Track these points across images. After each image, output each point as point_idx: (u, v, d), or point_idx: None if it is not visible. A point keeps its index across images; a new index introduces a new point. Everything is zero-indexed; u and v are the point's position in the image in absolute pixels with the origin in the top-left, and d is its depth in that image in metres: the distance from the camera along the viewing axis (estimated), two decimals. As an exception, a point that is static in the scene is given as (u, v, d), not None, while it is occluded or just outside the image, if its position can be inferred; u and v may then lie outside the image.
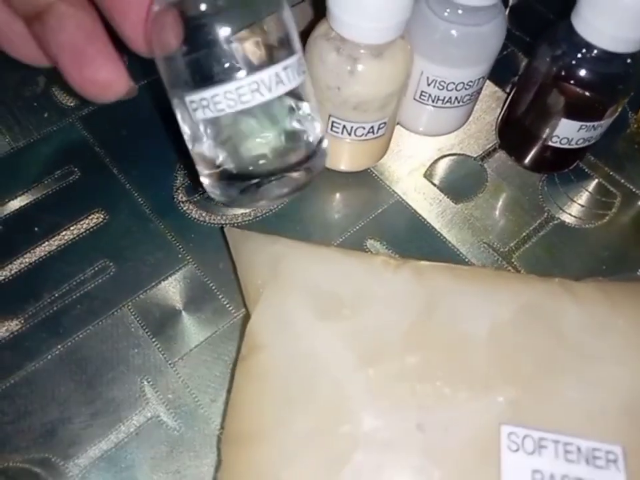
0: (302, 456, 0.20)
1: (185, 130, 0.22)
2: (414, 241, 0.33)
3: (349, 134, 0.31)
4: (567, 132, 0.32)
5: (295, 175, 0.23)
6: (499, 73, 0.40)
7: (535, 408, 0.21)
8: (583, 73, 0.30)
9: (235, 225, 0.33)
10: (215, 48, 0.20)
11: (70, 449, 0.27)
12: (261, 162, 0.22)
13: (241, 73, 0.20)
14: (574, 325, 0.23)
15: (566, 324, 0.23)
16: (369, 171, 0.36)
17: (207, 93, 0.20)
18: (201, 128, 0.21)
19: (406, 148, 0.37)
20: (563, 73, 0.30)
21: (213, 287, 0.31)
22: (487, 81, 0.40)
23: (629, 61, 0.29)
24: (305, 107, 0.22)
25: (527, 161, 0.36)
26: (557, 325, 0.23)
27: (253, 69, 0.20)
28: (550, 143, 0.33)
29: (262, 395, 0.22)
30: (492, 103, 0.39)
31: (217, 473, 0.24)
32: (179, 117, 0.22)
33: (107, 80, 0.20)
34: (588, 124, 0.31)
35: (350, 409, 0.21)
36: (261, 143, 0.22)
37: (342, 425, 0.21)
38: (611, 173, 0.37)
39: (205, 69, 0.20)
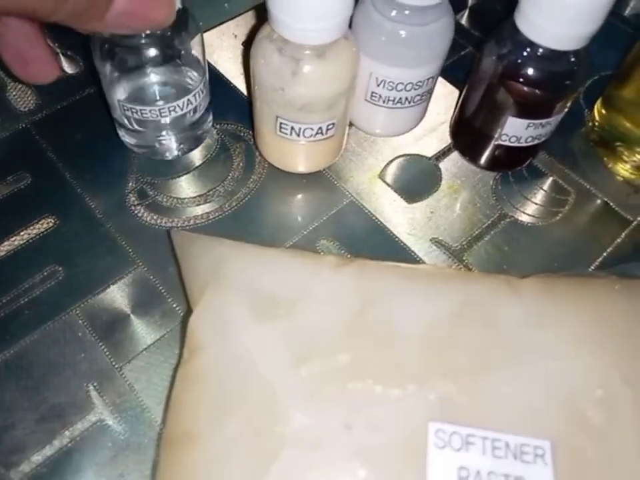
0: (233, 457, 0.20)
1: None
2: (367, 241, 0.33)
3: (298, 135, 0.31)
4: (515, 130, 0.32)
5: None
6: (455, 72, 0.40)
7: (467, 405, 0.21)
8: (528, 71, 0.30)
9: (187, 227, 0.33)
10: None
11: (13, 456, 0.26)
12: None
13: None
14: (512, 320, 0.23)
15: (504, 320, 0.23)
16: (323, 171, 0.36)
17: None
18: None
19: (361, 149, 0.37)
20: (509, 72, 0.30)
21: (162, 290, 0.31)
22: (444, 81, 0.40)
23: (572, 58, 0.30)
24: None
25: (479, 160, 0.36)
26: (495, 321, 0.23)
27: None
28: (500, 142, 0.33)
29: (199, 396, 0.22)
30: (448, 102, 0.39)
31: (155, 474, 0.24)
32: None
33: (42, 72, 0.27)
34: (535, 121, 0.32)
35: (280, 409, 0.21)
36: None
37: (273, 425, 0.21)
38: (566, 171, 0.37)
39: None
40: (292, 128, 0.30)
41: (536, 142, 0.33)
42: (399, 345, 0.22)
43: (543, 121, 0.32)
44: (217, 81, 0.39)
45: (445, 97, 0.39)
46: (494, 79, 0.31)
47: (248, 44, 0.41)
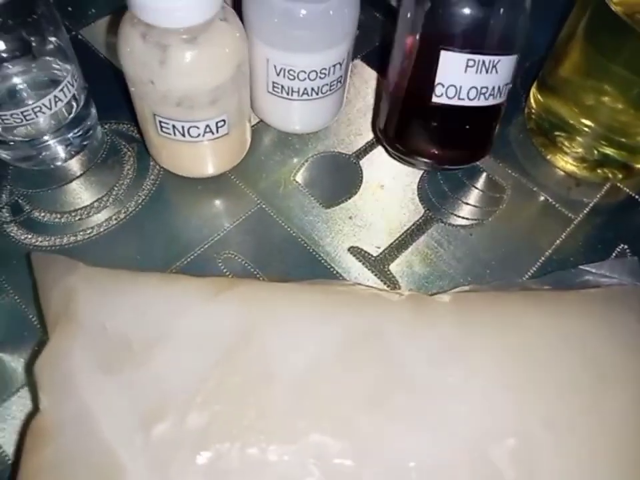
0: None
1: None
2: (276, 254, 0.29)
3: (183, 135, 0.26)
4: (452, 75, 0.26)
5: None
6: (380, 57, 0.36)
7: (354, 468, 0.17)
8: None
9: (65, 247, 0.29)
10: None
11: None
12: None
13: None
14: (415, 355, 0.19)
15: (405, 353, 0.19)
16: (228, 174, 0.31)
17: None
18: None
19: (273, 147, 0.33)
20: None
21: (35, 322, 0.26)
22: (365, 66, 0.36)
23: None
24: None
25: (412, 149, 0.30)
26: (393, 356, 0.19)
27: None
28: (435, 99, 0.27)
29: (42, 460, 0.18)
30: (372, 93, 0.35)
31: None
32: None
33: None
34: (476, 57, 0.25)
35: (119, 484, 0.17)
36: None
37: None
38: (501, 165, 0.33)
39: None
40: (174, 127, 0.26)
41: (482, 101, 0.27)
42: (274, 390, 0.18)
43: (486, 58, 0.25)
44: (107, 74, 0.34)
45: (368, 85, 0.35)
46: (416, 34, 0.26)
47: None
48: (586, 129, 0.31)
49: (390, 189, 0.32)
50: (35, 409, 0.23)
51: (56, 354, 0.20)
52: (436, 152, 0.29)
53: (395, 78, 0.28)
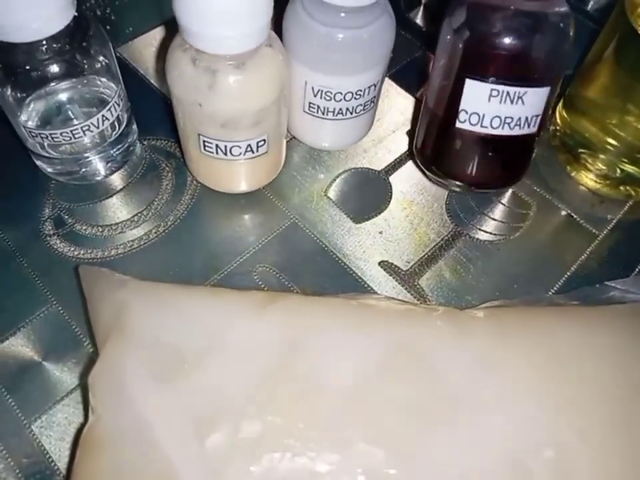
0: None
1: None
2: (309, 267, 0.30)
3: (225, 154, 0.28)
4: (475, 102, 0.26)
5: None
6: (408, 75, 0.38)
7: (402, 473, 0.18)
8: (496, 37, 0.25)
9: (106, 260, 0.30)
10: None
11: None
12: None
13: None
14: (453, 367, 0.20)
15: (444, 367, 0.20)
16: (262, 190, 0.32)
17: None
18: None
19: (305, 163, 0.34)
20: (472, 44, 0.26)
21: (79, 333, 0.27)
22: (395, 85, 0.37)
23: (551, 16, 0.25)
24: None
25: (443, 171, 0.31)
26: (433, 369, 0.20)
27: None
28: (459, 125, 0.27)
29: (96, 470, 0.19)
30: (399, 109, 0.36)
31: None
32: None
33: None
34: (499, 88, 0.25)
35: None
36: None
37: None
38: (526, 181, 0.34)
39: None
40: (217, 146, 0.27)
41: (507, 130, 0.27)
42: (323, 400, 0.19)
43: (511, 90, 0.26)
44: (145, 91, 0.36)
45: (396, 103, 0.36)
46: (454, 61, 0.26)
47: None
48: (609, 147, 0.32)
49: (419, 204, 0.33)
50: (85, 420, 0.24)
51: (109, 365, 0.21)
52: (468, 176, 0.30)
53: (432, 101, 0.29)
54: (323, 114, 0.30)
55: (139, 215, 0.31)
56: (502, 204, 0.33)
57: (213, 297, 0.23)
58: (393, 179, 0.34)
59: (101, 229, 0.31)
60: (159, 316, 0.21)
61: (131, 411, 0.19)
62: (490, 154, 0.29)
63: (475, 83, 0.26)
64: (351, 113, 0.30)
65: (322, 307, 0.23)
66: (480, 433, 0.19)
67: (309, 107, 0.30)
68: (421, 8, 0.42)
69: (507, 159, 0.30)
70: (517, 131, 0.28)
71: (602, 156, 0.33)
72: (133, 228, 0.31)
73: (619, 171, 0.33)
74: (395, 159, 0.34)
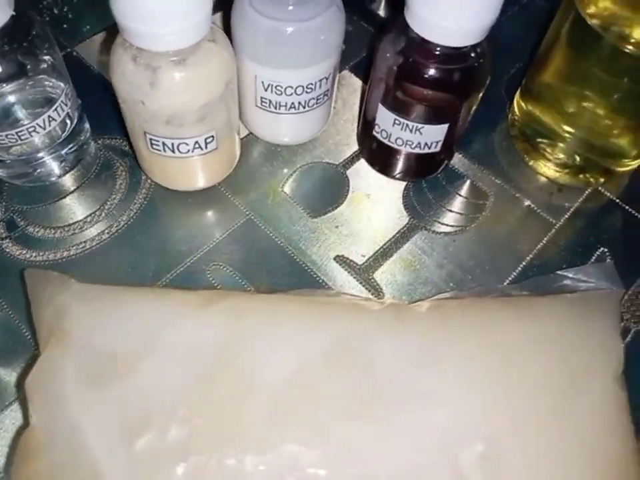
0: None
1: None
2: (264, 264, 0.30)
3: (172, 151, 0.27)
4: (384, 122, 0.29)
5: None
6: (369, 69, 0.37)
7: (333, 473, 0.18)
8: (423, 71, 0.26)
9: (58, 262, 0.29)
10: None
11: None
12: None
13: None
14: (392, 361, 0.20)
15: (383, 361, 0.20)
16: (218, 186, 0.32)
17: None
18: None
19: (262, 158, 0.34)
20: (403, 72, 0.27)
21: (28, 336, 0.27)
22: (356, 79, 0.37)
23: (472, 54, 0.26)
24: None
25: (379, 165, 0.33)
26: (372, 364, 0.20)
27: None
28: (374, 132, 0.30)
29: (32, 476, 0.19)
30: (359, 103, 0.36)
31: None
32: None
33: None
34: (401, 119, 0.28)
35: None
36: None
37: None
38: (484, 171, 0.34)
39: None
40: (164, 144, 0.27)
41: (409, 149, 0.30)
42: (253, 402, 0.19)
43: (410, 123, 0.28)
44: (101, 90, 0.35)
45: (356, 95, 0.36)
46: (390, 80, 0.28)
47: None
48: (568, 135, 0.32)
49: (376, 198, 0.32)
50: (26, 423, 0.24)
51: (47, 369, 0.20)
52: (386, 170, 0.33)
53: (369, 106, 0.30)
54: (276, 108, 0.30)
55: (92, 215, 0.31)
56: (460, 195, 0.33)
57: (155, 299, 0.22)
58: (351, 172, 0.33)
59: (53, 231, 0.30)
60: (97, 320, 0.21)
61: (64, 416, 0.19)
62: (399, 158, 0.32)
63: (384, 109, 0.29)
64: (304, 107, 0.30)
65: (266, 305, 0.23)
66: (416, 429, 0.19)
67: (261, 101, 0.30)
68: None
69: (415, 165, 0.32)
70: (418, 151, 0.30)
71: (560, 144, 0.33)
72: (85, 229, 0.31)
73: (577, 158, 0.33)
74: (353, 152, 0.34)
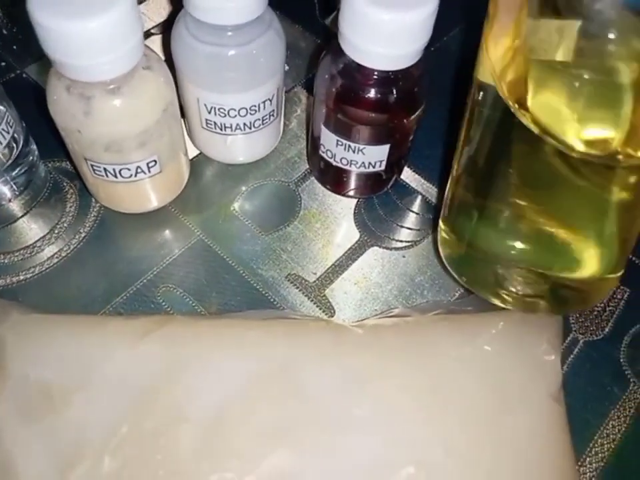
0: None
1: None
2: (215, 285, 0.30)
3: (115, 176, 0.27)
4: (328, 142, 0.29)
5: None
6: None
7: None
8: (358, 93, 0.27)
9: (13, 285, 0.29)
10: None
11: None
12: None
13: None
14: (325, 386, 0.20)
15: (315, 386, 0.20)
16: (169, 207, 0.32)
17: None
18: None
19: (213, 177, 0.34)
20: (341, 95, 0.27)
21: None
22: (308, 96, 0.37)
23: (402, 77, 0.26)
24: None
25: (330, 185, 0.33)
26: (304, 389, 0.20)
27: None
28: (321, 152, 0.30)
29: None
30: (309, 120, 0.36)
31: None
32: None
33: None
34: (344, 141, 0.28)
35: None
36: None
37: None
38: (435, 186, 0.34)
39: None
40: (105, 169, 0.27)
41: (355, 168, 0.30)
42: (183, 432, 0.19)
43: (352, 144, 0.28)
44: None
45: (307, 112, 0.36)
46: (329, 102, 0.28)
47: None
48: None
49: (327, 215, 0.33)
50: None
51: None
52: (335, 188, 0.33)
53: (311, 122, 0.31)
54: (222, 129, 0.30)
55: (42, 239, 0.31)
56: (411, 211, 0.33)
57: (94, 328, 0.22)
58: (303, 190, 0.34)
59: (3, 256, 0.30)
60: (34, 352, 0.21)
61: (0, 451, 0.19)
62: (347, 177, 0.32)
63: (326, 130, 0.29)
64: (250, 128, 0.30)
65: (207, 330, 0.23)
66: (345, 455, 0.19)
67: (206, 123, 0.30)
68: (336, 13, 0.42)
69: (363, 183, 0.32)
70: (363, 170, 0.30)
71: None
72: (35, 253, 0.30)
73: None
74: (305, 170, 0.34)
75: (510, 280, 0.26)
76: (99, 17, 0.21)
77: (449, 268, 0.29)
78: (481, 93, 0.22)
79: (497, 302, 0.26)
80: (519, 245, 0.25)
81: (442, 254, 0.29)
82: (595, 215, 0.23)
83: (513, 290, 0.26)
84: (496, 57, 0.21)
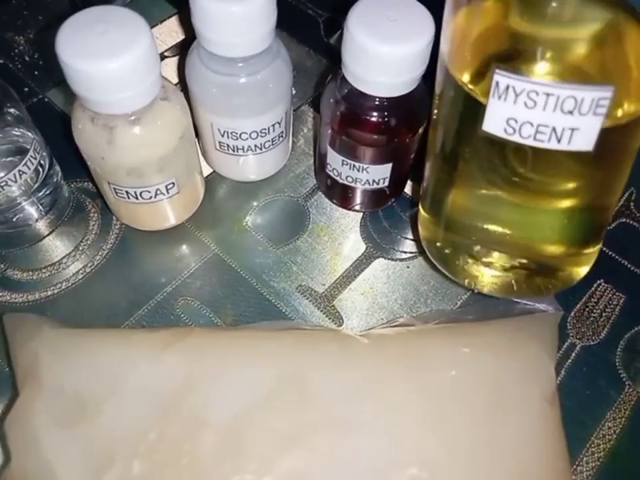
0: None
1: None
2: (230, 297, 0.32)
3: (136, 198, 0.29)
4: (334, 162, 0.31)
5: None
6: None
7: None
8: (361, 118, 0.28)
9: (42, 301, 0.31)
10: None
11: None
12: None
13: None
14: (335, 393, 0.22)
15: (326, 394, 0.22)
16: (186, 224, 0.34)
17: None
18: None
19: (226, 194, 0.36)
20: (345, 119, 0.29)
21: (12, 381, 0.29)
22: (317, 114, 0.39)
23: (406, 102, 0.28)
24: None
25: (337, 200, 0.35)
26: (316, 397, 0.22)
27: None
28: (327, 170, 0.32)
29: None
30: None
31: None
32: None
33: None
34: (349, 161, 0.30)
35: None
36: None
37: None
38: (438, 199, 0.36)
39: None
40: (127, 192, 0.29)
41: (360, 185, 0.32)
42: (205, 437, 0.21)
43: (356, 163, 0.30)
44: (72, 135, 0.37)
45: (313, 130, 0.38)
46: (334, 124, 0.29)
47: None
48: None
49: (335, 228, 0.34)
50: (7, 461, 0.26)
51: (23, 411, 0.22)
52: (341, 203, 0.35)
53: (318, 142, 0.32)
54: (234, 151, 0.32)
55: (68, 256, 0.33)
56: (414, 223, 0.35)
57: (120, 340, 0.24)
58: (311, 204, 0.35)
59: (32, 273, 0.32)
60: (65, 364, 0.23)
61: (37, 456, 0.21)
62: (353, 193, 0.33)
63: (332, 152, 0.31)
64: (260, 149, 0.32)
65: (224, 341, 0.25)
66: (353, 457, 0.21)
67: (219, 145, 0.32)
68: (340, 32, 0.44)
69: (368, 198, 0.34)
70: (368, 187, 0.32)
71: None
72: (62, 270, 0.33)
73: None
74: (313, 185, 0.36)
75: (487, 258, 0.27)
76: (121, 58, 0.23)
77: (428, 254, 0.30)
78: (441, 75, 0.24)
79: (474, 285, 0.28)
80: (492, 222, 0.26)
81: (421, 237, 0.31)
82: (560, 189, 0.24)
83: (491, 270, 0.27)
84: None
